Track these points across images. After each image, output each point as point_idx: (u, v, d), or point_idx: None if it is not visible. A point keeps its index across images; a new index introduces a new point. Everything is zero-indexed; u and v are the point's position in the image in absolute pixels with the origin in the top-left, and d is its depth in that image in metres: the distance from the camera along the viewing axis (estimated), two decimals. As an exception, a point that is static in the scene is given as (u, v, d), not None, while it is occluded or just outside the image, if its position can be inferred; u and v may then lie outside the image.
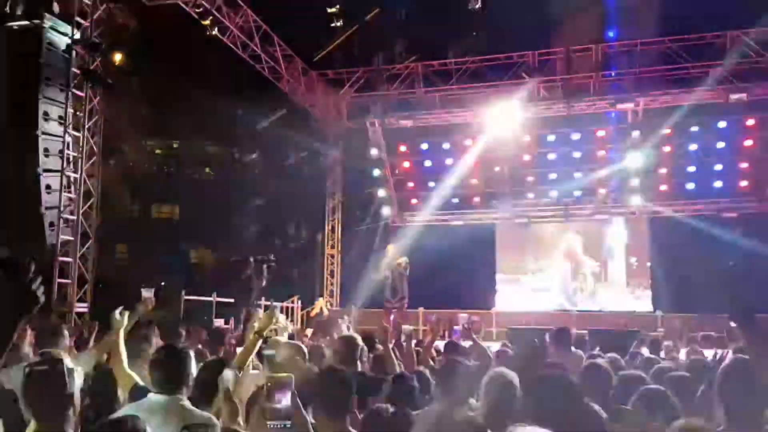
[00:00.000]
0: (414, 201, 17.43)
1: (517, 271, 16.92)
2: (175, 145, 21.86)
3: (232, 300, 11.58)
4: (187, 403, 2.85)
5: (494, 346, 8.82)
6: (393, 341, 5.67)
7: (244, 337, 5.44)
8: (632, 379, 3.90)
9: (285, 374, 2.49)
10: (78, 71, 10.75)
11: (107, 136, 12.24)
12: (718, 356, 5.89)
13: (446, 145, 16.70)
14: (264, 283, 10.99)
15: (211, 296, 12.51)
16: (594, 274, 16.28)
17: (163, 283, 17.48)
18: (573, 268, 16.44)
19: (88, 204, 11.02)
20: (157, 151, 23.04)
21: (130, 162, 21.22)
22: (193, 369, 3.04)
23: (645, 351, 7.14)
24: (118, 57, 11.86)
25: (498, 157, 15.81)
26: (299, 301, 15.73)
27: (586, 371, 4.11)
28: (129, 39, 12.23)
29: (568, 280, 16.45)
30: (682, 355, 7.89)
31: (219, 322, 10.81)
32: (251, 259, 11.22)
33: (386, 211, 17.28)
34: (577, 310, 15.63)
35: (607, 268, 16.27)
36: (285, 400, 2.36)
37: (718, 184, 14.92)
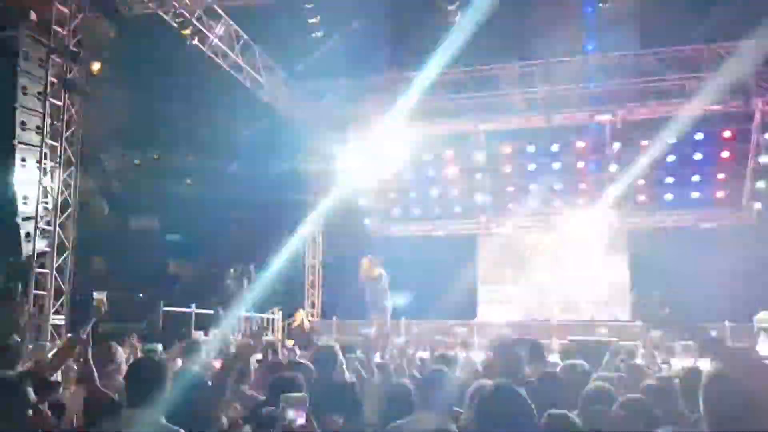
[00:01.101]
0: (396, 211, 17.44)
1: (498, 281, 16.97)
2: (155, 156, 21.64)
3: (211, 311, 11.47)
4: (161, 418, 2.80)
5: (477, 356, 8.87)
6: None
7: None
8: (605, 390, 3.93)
9: (300, 394, 2.50)
10: (56, 80, 10.65)
11: (85, 146, 12.09)
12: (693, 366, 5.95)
13: (427, 156, 16.75)
14: (244, 294, 10.90)
15: (190, 308, 12.38)
16: (575, 284, 16.37)
17: (141, 295, 17.29)
18: (552, 278, 16.54)
19: (65, 215, 10.87)
20: (137, 162, 22.80)
21: (108, 172, 20.98)
22: (169, 382, 2.99)
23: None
24: (96, 66, 11.73)
25: (479, 168, 15.87)
26: (280, 312, 15.61)
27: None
28: (108, 48, 12.11)
29: (548, 290, 16.54)
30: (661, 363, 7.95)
31: (198, 334, 10.71)
32: (231, 271, 11.13)
33: (368, 221, 17.27)
34: (558, 320, 15.71)
35: (588, 278, 16.38)
36: (300, 419, 2.36)
37: (695, 194, 15.15)
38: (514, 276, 16.92)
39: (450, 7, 11.43)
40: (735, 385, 2.71)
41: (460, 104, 15.24)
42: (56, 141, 10.69)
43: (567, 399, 3.56)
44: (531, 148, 15.89)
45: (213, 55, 12.91)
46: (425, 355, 8.44)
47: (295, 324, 15.35)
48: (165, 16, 11.65)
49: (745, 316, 13.02)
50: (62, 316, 10.55)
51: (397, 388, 4.04)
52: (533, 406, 2.78)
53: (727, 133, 14.63)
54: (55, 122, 10.73)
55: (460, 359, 6.85)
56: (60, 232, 10.68)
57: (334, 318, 15.61)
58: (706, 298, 13.75)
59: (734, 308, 13.33)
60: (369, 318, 12.09)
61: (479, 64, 14.73)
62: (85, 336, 3.61)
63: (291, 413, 2.33)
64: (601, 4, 10.94)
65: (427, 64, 14.28)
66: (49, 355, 4.63)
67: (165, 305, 12.38)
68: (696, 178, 15.11)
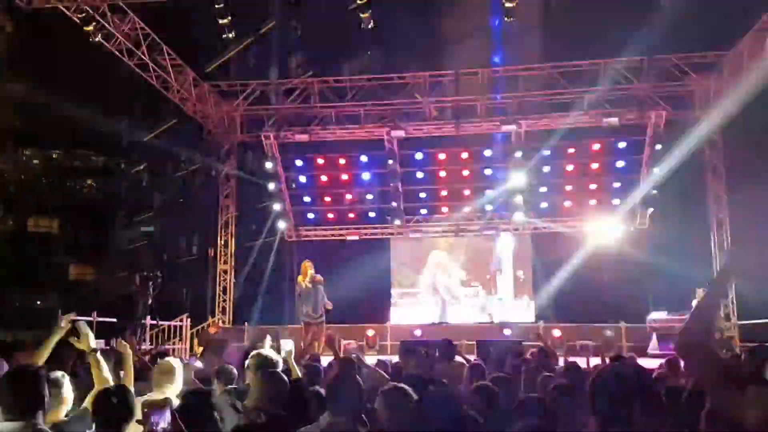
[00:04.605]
0: (310, 215, 17.40)
1: (411, 285, 17.28)
2: (54, 156, 20.55)
3: (114, 319, 11.03)
4: (45, 428, 2.72)
5: (391, 359, 9.01)
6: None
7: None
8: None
9: (163, 397, 2.45)
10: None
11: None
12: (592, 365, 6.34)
13: (342, 161, 16.82)
14: (149, 300, 10.56)
15: (91, 316, 11.83)
16: (484, 287, 16.93)
17: (38, 303, 16.39)
18: (463, 282, 17.06)
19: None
20: (35, 162, 21.61)
21: (3, 173, 19.77)
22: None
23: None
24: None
25: (392, 173, 16.11)
26: (188, 320, 15.20)
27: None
28: (5, 44, 11.45)
29: (459, 293, 17.04)
30: (561, 363, 8.35)
31: (99, 343, 10.26)
32: (136, 276, 10.76)
33: (282, 225, 17.12)
34: (467, 323, 16.19)
35: (496, 281, 16.97)
36: (162, 423, 2.32)
37: (593, 201, 16.03)
38: (427, 280, 17.28)
39: (364, 15, 11.56)
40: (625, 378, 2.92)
41: (373, 111, 15.51)
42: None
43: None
44: (442, 156, 16.29)
45: (118, 53, 12.47)
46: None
47: (213, 330, 15.02)
48: (67, 11, 11.16)
49: (639, 317, 13.86)
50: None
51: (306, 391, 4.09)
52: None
53: (622, 144, 15.54)
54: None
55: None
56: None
57: (246, 324, 15.38)
58: (603, 299, 14.60)
59: (629, 309, 14.16)
60: (307, 322, 12.12)
61: (391, 72, 15.04)
62: None
63: (154, 417, 2.32)
64: (507, 19, 11.40)
65: (339, 70, 14.44)
66: None
67: (64, 313, 11.79)
68: (593, 186, 15.99)
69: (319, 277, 11.91)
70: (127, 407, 2.65)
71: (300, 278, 12.12)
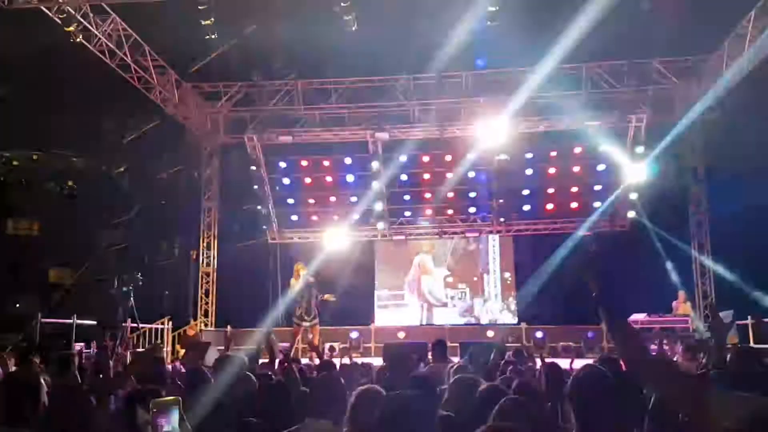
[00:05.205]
0: (294, 218, 17.35)
1: (395, 287, 17.30)
2: (34, 157, 20.24)
3: (94, 322, 10.92)
4: None
5: (374, 362, 9.03)
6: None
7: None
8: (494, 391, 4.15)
9: (172, 397, 2.43)
10: None
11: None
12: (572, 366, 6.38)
13: (326, 163, 16.79)
14: (130, 304, 10.47)
15: (71, 319, 11.70)
16: (469, 289, 16.99)
17: (18, 305, 16.17)
18: (446, 283, 17.13)
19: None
20: (14, 163, 21.28)
21: (-18, 173, 19.46)
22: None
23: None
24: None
25: (376, 175, 16.11)
26: (170, 323, 15.07)
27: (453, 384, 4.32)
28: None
29: (442, 295, 17.09)
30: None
31: (79, 347, 10.17)
32: (116, 279, 10.66)
33: (265, 227, 17.05)
34: (451, 324, 16.25)
35: (482, 283, 17.05)
36: (169, 425, 2.30)
37: (574, 204, 16.16)
38: (411, 282, 17.32)
39: (347, 17, 11.54)
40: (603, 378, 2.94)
41: (357, 113, 15.52)
42: None
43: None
44: (426, 158, 16.33)
45: (99, 54, 12.36)
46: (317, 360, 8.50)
47: (192, 333, 14.90)
48: (48, 12, 11.05)
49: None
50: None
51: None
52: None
53: (603, 147, 15.64)
54: None
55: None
56: None
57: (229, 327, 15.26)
58: (584, 300, 14.68)
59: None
60: (299, 324, 12.10)
61: (375, 75, 15.05)
62: None
63: (161, 420, 2.29)
64: (489, 23, 11.45)
65: (323, 72, 14.41)
66: None
67: (43, 316, 11.65)
68: (575, 189, 16.12)
69: (311, 278, 11.95)
70: None
71: (293, 281, 12.16)
